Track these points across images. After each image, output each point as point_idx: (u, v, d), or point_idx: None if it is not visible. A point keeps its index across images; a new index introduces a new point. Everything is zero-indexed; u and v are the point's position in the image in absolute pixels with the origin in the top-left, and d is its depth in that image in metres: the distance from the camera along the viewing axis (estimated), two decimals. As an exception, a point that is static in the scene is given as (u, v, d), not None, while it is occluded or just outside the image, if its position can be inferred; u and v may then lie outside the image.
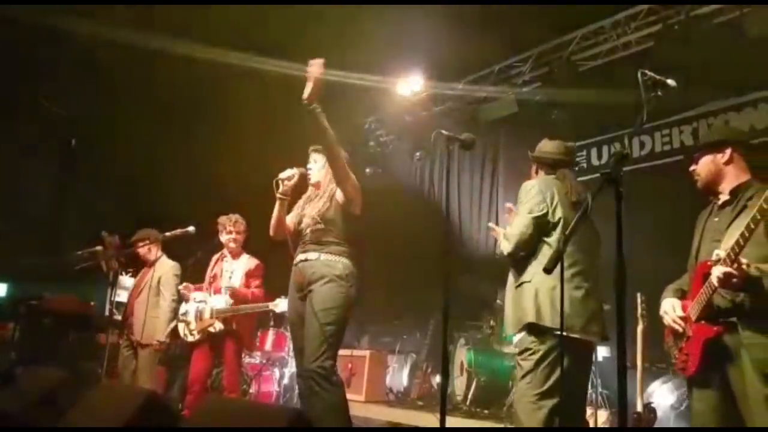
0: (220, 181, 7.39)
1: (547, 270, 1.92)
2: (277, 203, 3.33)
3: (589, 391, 4.85)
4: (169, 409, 2.62)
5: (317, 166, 3.41)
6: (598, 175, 1.83)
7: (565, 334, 2.50)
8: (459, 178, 7.64)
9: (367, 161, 8.47)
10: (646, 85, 2.04)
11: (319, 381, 2.96)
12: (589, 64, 6.28)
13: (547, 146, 3.05)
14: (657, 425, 3.42)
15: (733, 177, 2.53)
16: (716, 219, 2.54)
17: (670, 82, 2.06)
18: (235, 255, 4.72)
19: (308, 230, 3.28)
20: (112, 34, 5.95)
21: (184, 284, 4.73)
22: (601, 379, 4.79)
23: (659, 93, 2.04)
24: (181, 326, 4.57)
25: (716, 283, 2.29)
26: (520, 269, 2.83)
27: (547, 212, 2.78)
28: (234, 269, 4.69)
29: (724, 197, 2.54)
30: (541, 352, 2.67)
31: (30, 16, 5.61)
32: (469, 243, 7.19)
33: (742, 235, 2.22)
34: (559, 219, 2.77)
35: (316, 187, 3.41)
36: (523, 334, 2.76)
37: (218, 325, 4.42)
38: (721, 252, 2.31)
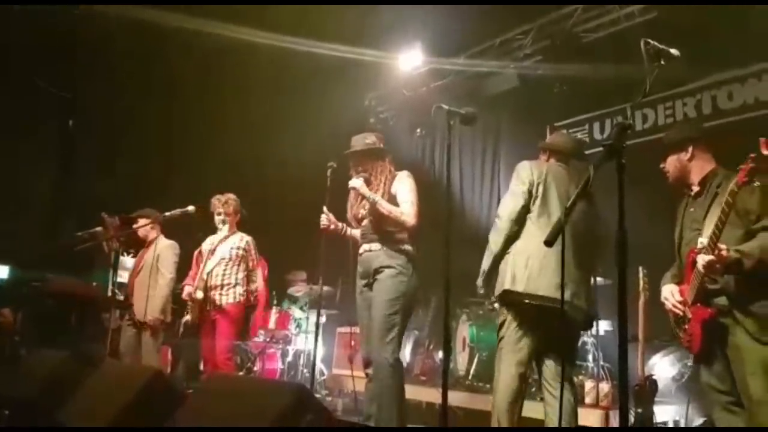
0: (224, 160, 7.37)
1: (548, 243, 1.92)
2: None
3: (591, 364, 4.92)
4: (173, 387, 2.65)
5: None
6: (600, 148, 1.81)
7: (528, 298, 2.91)
8: (460, 153, 7.59)
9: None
10: (648, 54, 2.03)
11: (389, 374, 3.24)
12: (591, 36, 6.19)
13: (560, 137, 3.38)
14: (658, 397, 3.46)
15: (699, 169, 2.76)
16: (692, 209, 2.77)
17: (674, 51, 2.05)
18: (227, 235, 4.66)
19: (368, 222, 3.46)
20: (108, 9, 5.89)
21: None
22: (603, 352, 4.83)
23: (662, 62, 2.03)
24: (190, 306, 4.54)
25: (702, 271, 2.51)
26: (511, 242, 3.07)
27: (532, 184, 3.05)
28: (220, 248, 4.59)
29: (695, 188, 2.79)
30: (514, 323, 3.04)
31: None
32: (470, 218, 7.18)
33: (716, 224, 2.44)
34: (540, 194, 3.04)
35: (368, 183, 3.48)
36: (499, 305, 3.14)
37: (199, 294, 4.41)
38: (704, 240, 2.53)
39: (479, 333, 5.62)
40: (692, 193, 2.79)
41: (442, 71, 7.43)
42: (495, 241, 3.09)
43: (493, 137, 7.31)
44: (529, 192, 3.05)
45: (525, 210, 3.05)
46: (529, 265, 2.94)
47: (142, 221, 5.03)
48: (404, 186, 3.47)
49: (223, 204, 4.64)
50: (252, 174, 7.32)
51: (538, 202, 3.04)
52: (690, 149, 2.75)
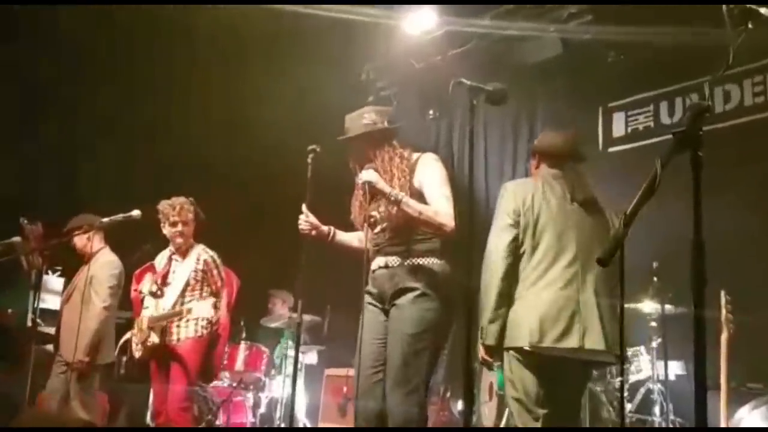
0: (176, 155, 7.38)
1: (602, 262, 1.92)
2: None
3: (657, 418, 4.88)
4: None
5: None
6: (669, 136, 1.79)
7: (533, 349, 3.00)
8: (485, 140, 7.60)
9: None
10: (732, 15, 2.01)
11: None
12: (655, -11, 6.21)
13: (550, 137, 3.51)
14: (746, 462, 3.43)
15: None
16: None
17: (764, 11, 2.03)
18: (183, 252, 4.66)
19: (385, 229, 3.34)
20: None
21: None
22: (673, 403, 4.81)
23: (750, 26, 2.02)
24: (135, 339, 4.58)
25: None
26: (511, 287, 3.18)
27: (518, 214, 3.15)
28: (177, 272, 4.58)
29: None
30: (513, 376, 3.13)
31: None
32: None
33: None
34: (530, 224, 3.14)
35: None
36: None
37: (154, 338, 4.41)
38: None
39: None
40: None
41: (462, 35, 7.42)
42: (487, 292, 3.11)
43: (528, 120, 7.31)
44: (517, 223, 3.16)
45: (515, 244, 3.15)
46: (529, 315, 3.05)
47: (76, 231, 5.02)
48: (433, 175, 3.34)
49: (177, 212, 4.57)
50: (214, 175, 7.34)
51: (528, 233, 3.15)
52: None
